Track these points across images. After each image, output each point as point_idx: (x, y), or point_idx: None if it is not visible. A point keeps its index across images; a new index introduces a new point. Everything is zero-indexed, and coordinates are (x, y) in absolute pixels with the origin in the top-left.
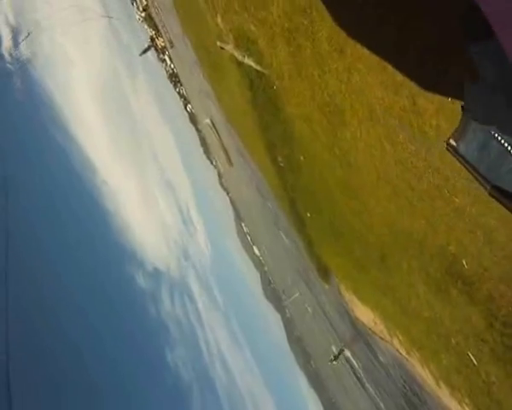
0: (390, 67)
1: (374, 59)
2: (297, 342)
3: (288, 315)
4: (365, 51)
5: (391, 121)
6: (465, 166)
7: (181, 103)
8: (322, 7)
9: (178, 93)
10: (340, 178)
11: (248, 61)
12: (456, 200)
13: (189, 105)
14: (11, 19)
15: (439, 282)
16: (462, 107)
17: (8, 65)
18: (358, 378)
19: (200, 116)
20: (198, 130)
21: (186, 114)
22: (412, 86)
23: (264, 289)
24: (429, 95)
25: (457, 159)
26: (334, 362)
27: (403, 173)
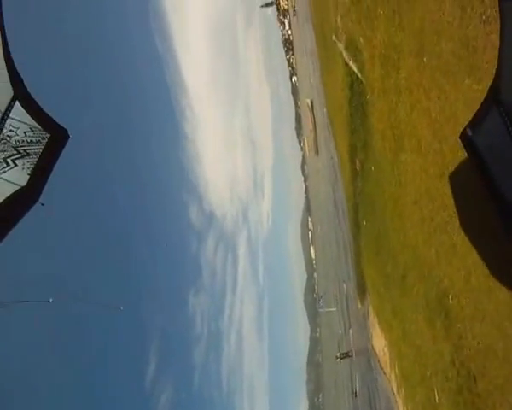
0: (433, 114)
1: (425, 105)
2: (315, 367)
3: (317, 334)
4: (423, 97)
5: (428, 157)
6: (473, 164)
7: (287, 72)
8: (408, 49)
9: (288, 61)
10: (393, 194)
11: (352, 65)
12: (454, 238)
13: (295, 77)
14: None
15: (431, 311)
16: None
17: None
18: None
19: (303, 93)
20: (296, 105)
21: (289, 85)
22: (446, 135)
23: (305, 293)
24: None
25: (468, 154)
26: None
27: (429, 203)
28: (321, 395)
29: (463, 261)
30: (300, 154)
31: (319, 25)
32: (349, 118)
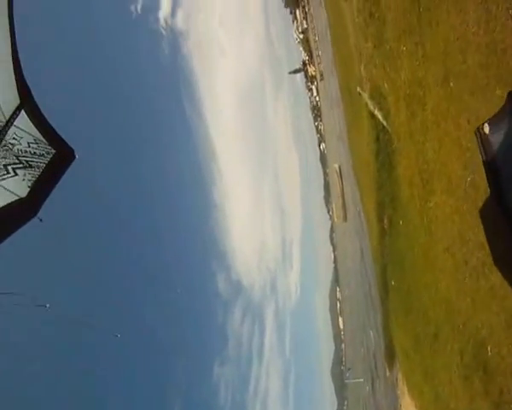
0: (464, 142)
1: (454, 135)
2: None
3: (344, 408)
4: (451, 127)
5: (459, 193)
6: (484, 165)
7: (316, 139)
8: (433, 79)
9: (316, 128)
10: (422, 245)
11: (377, 114)
12: (492, 279)
13: (323, 144)
14: None
15: (467, 368)
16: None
17: (161, 29)
18: None
19: (331, 159)
20: (325, 172)
21: (318, 152)
22: (478, 162)
23: (333, 366)
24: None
25: (481, 153)
26: None
27: (462, 246)
28: None
29: (503, 303)
30: (329, 222)
31: (344, 80)
32: (376, 174)
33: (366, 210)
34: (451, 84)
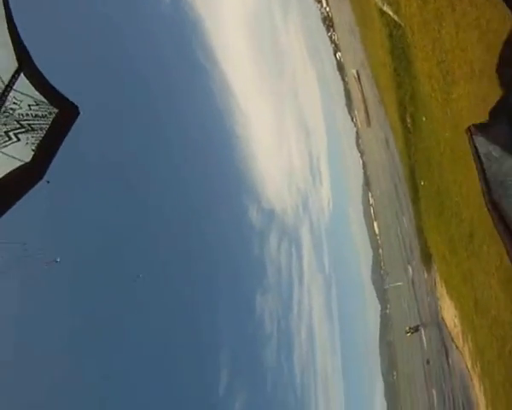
0: (483, 22)
1: (473, 16)
2: (387, 346)
3: (387, 311)
4: (468, 9)
5: (484, 79)
6: (474, 159)
7: (331, 49)
8: None
9: (330, 38)
10: (449, 141)
11: (387, 10)
12: None
13: (339, 53)
14: None
15: (508, 271)
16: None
17: None
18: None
19: (348, 65)
20: (344, 80)
21: (334, 61)
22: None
23: (373, 271)
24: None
25: (471, 147)
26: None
27: None
28: (395, 373)
29: None
30: (354, 129)
31: None
32: (393, 72)
33: (388, 111)
34: None
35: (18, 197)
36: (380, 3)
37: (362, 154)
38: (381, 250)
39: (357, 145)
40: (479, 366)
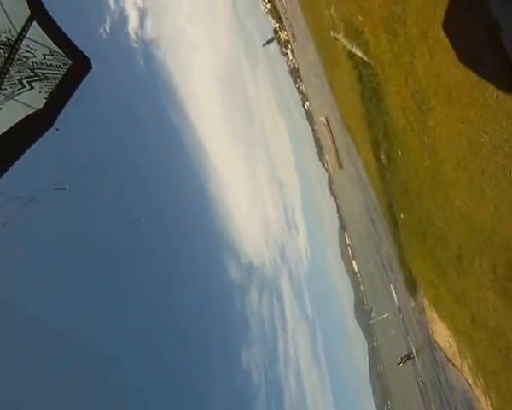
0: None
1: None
2: (378, 378)
3: (374, 344)
4: (441, 34)
5: (463, 100)
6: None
7: (299, 100)
8: None
9: (298, 89)
10: (428, 168)
11: (356, 51)
12: None
13: (307, 102)
14: (139, 1)
15: (503, 281)
16: None
17: (133, 43)
18: None
19: (317, 113)
20: (313, 129)
21: (303, 111)
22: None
23: (356, 308)
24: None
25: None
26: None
27: (475, 156)
28: (389, 402)
29: None
30: (326, 175)
31: (318, 32)
32: (364, 112)
33: (361, 152)
34: None
35: (30, 143)
36: (348, 46)
37: (335, 198)
38: (362, 287)
39: (330, 190)
40: (481, 379)
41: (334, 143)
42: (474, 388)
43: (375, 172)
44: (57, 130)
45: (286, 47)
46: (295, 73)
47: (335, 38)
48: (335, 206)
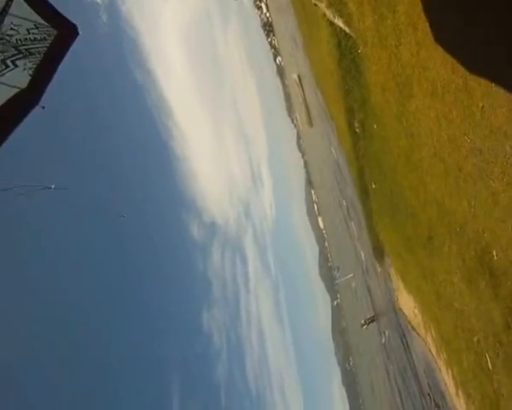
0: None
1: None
2: (341, 334)
3: (338, 301)
4: (432, 29)
5: (447, 98)
6: None
7: (271, 54)
8: None
9: (270, 43)
10: (404, 148)
11: (338, 22)
12: (493, 185)
13: (279, 57)
14: None
15: (471, 270)
16: None
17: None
18: (389, 380)
19: (289, 70)
20: (284, 84)
21: (274, 66)
22: (465, 67)
23: (320, 266)
24: (477, 78)
25: None
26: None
27: (453, 152)
28: (351, 359)
29: (509, 211)
30: (294, 131)
31: None
32: (341, 80)
33: (334, 115)
34: None
35: (15, 124)
36: (330, 16)
37: (303, 154)
38: (327, 244)
39: (299, 146)
40: (444, 353)
41: (305, 101)
42: (436, 359)
43: (348, 138)
44: (43, 108)
45: (260, 0)
46: (268, 27)
47: (316, 5)
48: (303, 162)
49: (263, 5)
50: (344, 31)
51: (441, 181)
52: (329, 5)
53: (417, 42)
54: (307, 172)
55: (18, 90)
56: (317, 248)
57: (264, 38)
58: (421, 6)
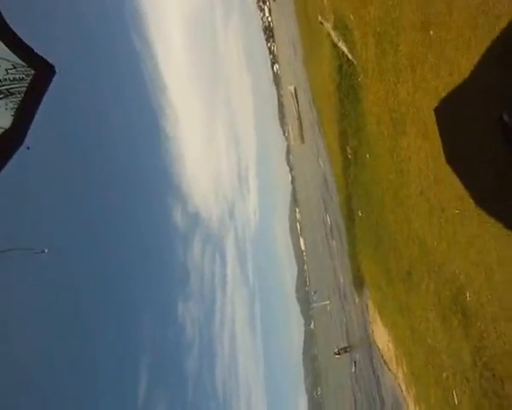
0: (444, 94)
1: (432, 84)
2: (311, 361)
3: (312, 326)
4: (429, 76)
5: (436, 142)
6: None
7: (269, 60)
8: (409, 23)
9: (269, 49)
10: (393, 182)
11: (342, 46)
12: (471, 230)
13: (277, 65)
14: None
15: (445, 309)
16: None
17: None
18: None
19: (285, 80)
20: (279, 93)
21: (271, 73)
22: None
23: (297, 287)
24: None
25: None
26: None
27: (437, 194)
28: (319, 388)
29: (484, 256)
30: (285, 144)
31: (302, 6)
32: (338, 103)
33: (327, 136)
34: (431, 32)
35: (1, 166)
36: (335, 38)
37: (291, 169)
38: (306, 267)
39: (288, 160)
40: (414, 389)
41: (299, 115)
42: (405, 395)
43: (339, 162)
44: (28, 148)
45: (264, 2)
46: (269, 32)
47: (322, 24)
48: (290, 177)
49: (266, 8)
50: (347, 56)
51: (425, 220)
52: (335, 27)
53: (414, 84)
54: (293, 189)
55: (2, 130)
56: (295, 269)
57: (264, 42)
58: (422, 51)
